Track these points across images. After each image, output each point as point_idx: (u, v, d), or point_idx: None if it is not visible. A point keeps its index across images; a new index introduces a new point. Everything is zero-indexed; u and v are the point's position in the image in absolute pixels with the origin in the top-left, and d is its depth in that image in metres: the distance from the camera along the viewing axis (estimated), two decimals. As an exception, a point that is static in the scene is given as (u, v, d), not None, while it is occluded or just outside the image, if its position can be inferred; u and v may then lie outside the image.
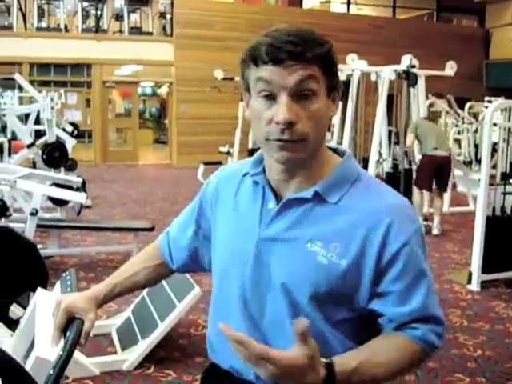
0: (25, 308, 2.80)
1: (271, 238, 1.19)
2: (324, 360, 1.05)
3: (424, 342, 1.17)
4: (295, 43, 1.07)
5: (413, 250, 1.15)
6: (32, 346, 1.91)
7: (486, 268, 4.80)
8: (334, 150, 1.26)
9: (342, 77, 7.86)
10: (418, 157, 6.96)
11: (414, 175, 6.88)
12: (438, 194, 6.99)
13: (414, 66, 7.03)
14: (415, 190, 6.86)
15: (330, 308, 1.15)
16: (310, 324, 1.15)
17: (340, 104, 7.89)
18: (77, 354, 2.90)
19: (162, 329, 3.25)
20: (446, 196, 7.73)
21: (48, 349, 1.25)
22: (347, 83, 7.76)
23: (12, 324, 2.82)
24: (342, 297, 1.15)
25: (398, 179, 6.90)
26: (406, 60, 7.05)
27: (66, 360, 1.15)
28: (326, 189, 1.16)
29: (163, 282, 3.18)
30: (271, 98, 1.10)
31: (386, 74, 7.21)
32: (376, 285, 1.14)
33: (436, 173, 6.76)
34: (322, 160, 1.19)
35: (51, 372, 1.13)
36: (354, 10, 17.00)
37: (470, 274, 4.84)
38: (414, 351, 1.17)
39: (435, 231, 6.82)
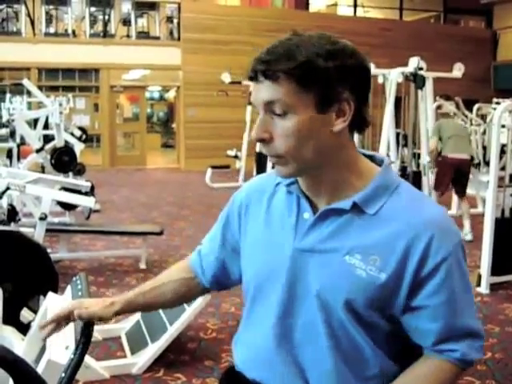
0: (35, 312, 2.82)
1: (307, 249, 1.16)
2: None
3: (462, 361, 1.16)
4: (263, 60, 1.07)
5: (453, 265, 1.12)
6: (43, 350, 1.92)
7: (495, 270, 4.77)
8: (371, 158, 1.23)
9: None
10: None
11: (433, 179, 6.73)
12: (459, 198, 6.84)
13: (421, 68, 7.02)
14: (435, 194, 6.65)
15: (364, 313, 1.13)
16: (343, 330, 1.14)
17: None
18: (86, 358, 2.91)
19: (171, 332, 3.25)
20: (455, 198, 7.68)
21: (60, 352, 1.27)
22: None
23: (23, 328, 2.84)
24: (377, 306, 1.13)
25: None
26: (414, 62, 7.03)
27: (77, 363, 1.16)
28: (365, 199, 1.13)
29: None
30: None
31: (394, 76, 7.19)
32: (411, 298, 1.12)
33: (454, 175, 6.57)
34: (355, 170, 1.17)
35: (63, 375, 1.14)
36: (360, 12, 17.01)
37: (479, 276, 4.82)
38: (452, 373, 1.16)
39: (468, 237, 6.46)
